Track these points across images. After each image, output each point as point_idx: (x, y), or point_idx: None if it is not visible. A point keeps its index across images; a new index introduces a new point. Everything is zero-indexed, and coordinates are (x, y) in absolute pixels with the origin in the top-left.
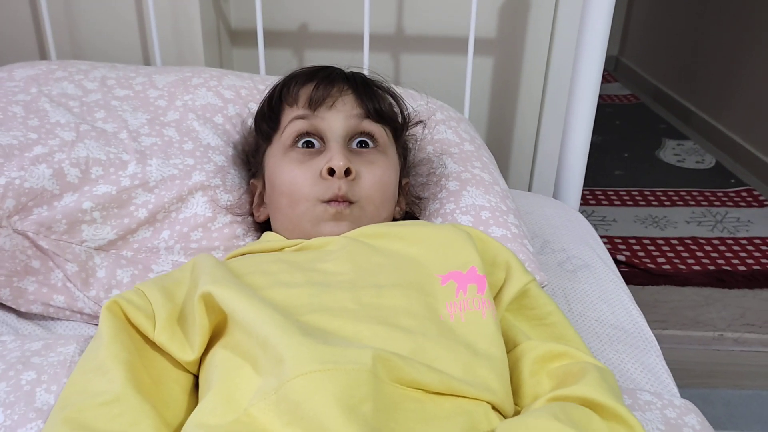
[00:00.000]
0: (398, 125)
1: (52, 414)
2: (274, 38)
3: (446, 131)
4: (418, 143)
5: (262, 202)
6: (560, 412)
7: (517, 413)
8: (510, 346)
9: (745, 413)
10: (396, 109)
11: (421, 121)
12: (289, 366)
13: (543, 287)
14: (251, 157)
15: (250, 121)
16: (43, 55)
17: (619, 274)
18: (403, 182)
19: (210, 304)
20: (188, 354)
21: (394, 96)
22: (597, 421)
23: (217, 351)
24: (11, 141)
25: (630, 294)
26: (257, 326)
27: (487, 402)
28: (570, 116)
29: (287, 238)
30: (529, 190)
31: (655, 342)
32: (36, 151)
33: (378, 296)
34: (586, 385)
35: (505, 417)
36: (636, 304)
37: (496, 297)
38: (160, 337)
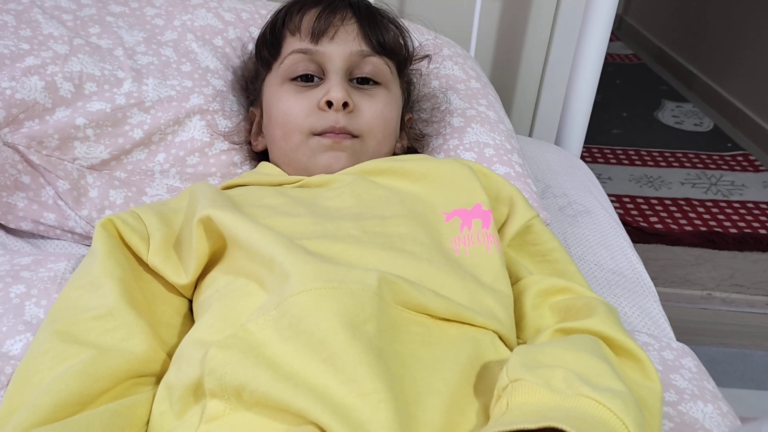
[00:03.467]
0: (402, 59)
1: (41, 327)
2: None
3: (453, 67)
4: (423, 78)
5: (260, 131)
6: (579, 342)
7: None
8: (512, 280)
9: (728, 370)
10: (401, 41)
11: (427, 56)
12: (293, 282)
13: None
14: (250, 83)
15: (251, 47)
16: None
17: (620, 222)
18: (406, 117)
19: (209, 228)
20: (182, 278)
21: (400, 28)
22: (609, 353)
23: (216, 276)
24: (2, 50)
25: (630, 241)
26: (262, 246)
27: (493, 331)
28: (577, 63)
29: (286, 173)
30: (530, 135)
31: (653, 288)
32: (28, 62)
33: (382, 225)
34: (595, 319)
35: (510, 349)
36: (636, 251)
37: (499, 232)
38: (153, 258)
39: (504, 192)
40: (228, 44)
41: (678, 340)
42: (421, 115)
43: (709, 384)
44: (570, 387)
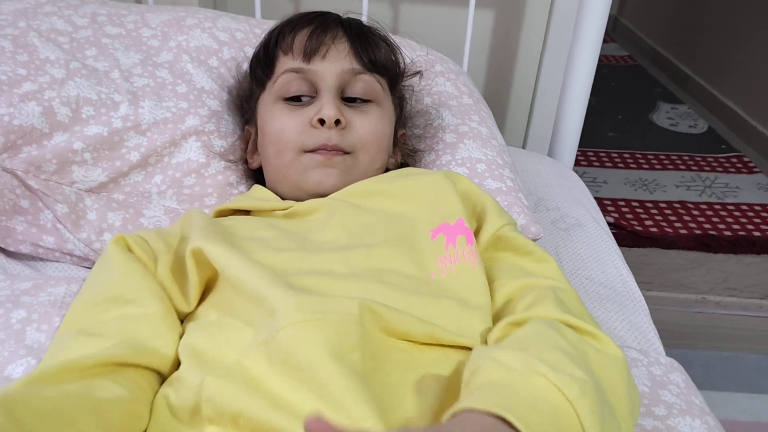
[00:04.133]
0: (394, 75)
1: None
2: None
3: (445, 83)
4: (416, 94)
5: (255, 149)
6: (538, 334)
7: None
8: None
9: (721, 374)
10: (392, 58)
11: (418, 72)
12: (279, 317)
13: (537, 240)
14: (245, 102)
15: (245, 66)
16: None
17: (611, 235)
18: (399, 133)
19: (200, 260)
20: (184, 306)
21: (391, 45)
22: (567, 330)
23: (208, 308)
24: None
25: (621, 254)
26: (249, 281)
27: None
28: (569, 75)
29: (277, 190)
30: (524, 147)
31: (644, 302)
32: (25, 88)
33: (368, 257)
34: (543, 306)
35: None
36: (627, 265)
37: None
38: (162, 280)
39: (479, 204)
40: (223, 64)
41: (673, 344)
42: (414, 131)
43: (697, 399)
44: (528, 367)
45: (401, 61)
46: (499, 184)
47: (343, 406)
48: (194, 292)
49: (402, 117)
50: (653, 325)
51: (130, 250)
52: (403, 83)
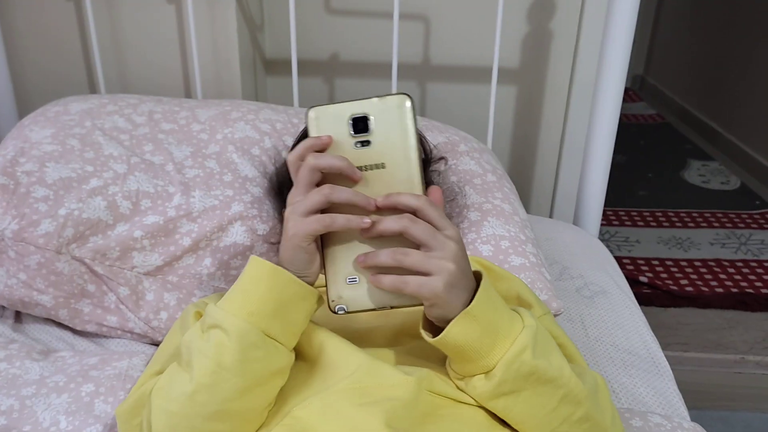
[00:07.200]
0: (422, 163)
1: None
2: (306, 67)
3: (469, 162)
4: (441, 175)
5: None
6: None
7: None
8: None
9: None
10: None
11: (442, 158)
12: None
13: (557, 315)
14: (285, 188)
15: (284, 154)
16: (93, 88)
17: (635, 301)
18: None
19: None
20: None
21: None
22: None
23: None
24: (70, 174)
25: (645, 320)
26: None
27: None
28: (590, 145)
29: None
30: (551, 216)
31: (668, 367)
32: (92, 184)
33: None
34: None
35: None
36: (651, 330)
37: None
38: None
39: (512, 290)
40: (264, 153)
41: (713, 405)
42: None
43: None
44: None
45: (428, 148)
46: (523, 260)
47: None
48: None
49: None
50: (678, 390)
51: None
52: (430, 169)
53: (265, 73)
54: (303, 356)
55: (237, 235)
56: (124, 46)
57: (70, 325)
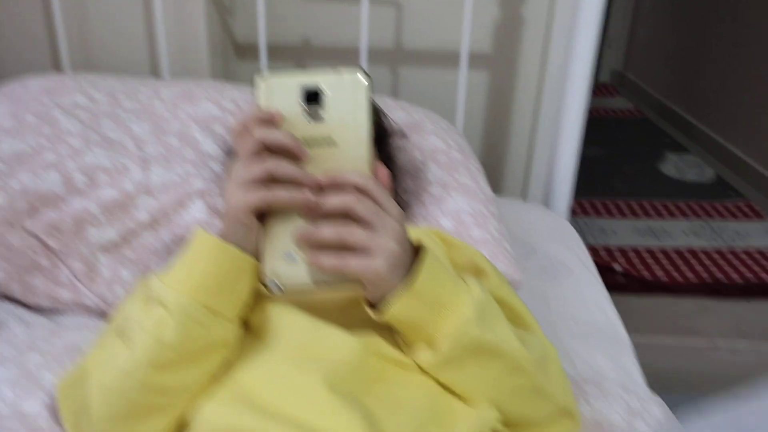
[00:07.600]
0: (377, 137)
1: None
2: (277, 52)
3: (435, 140)
4: (406, 152)
5: None
6: None
7: None
8: None
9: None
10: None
11: (402, 134)
12: None
13: (519, 290)
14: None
15: None
16: (57, 67)
17: (600, 279)
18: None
19: None
20: None
21: (375, 109)
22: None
23: None
24: (25, 148)
25: (609, 297)
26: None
27: None
28: (561, 127)
29: None
30: (524, 200)
31: (629, 342)
32: (48, 158)
33: None
34: None
35: None
36: (614, 307)
37: None
38: None
39: (470, 261)
40: (227, 131)
41: (682, 392)
42: (403, 185)
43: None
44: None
45: (385, 123)
46: (485, 234)
47: None
48: None
49: (393, 173)
50: (638, 364)
51: None
52: (390, 143)
53: (236, 57)
54: (250, 326)
55: (197, 211)
56: (88, 29)
57: (22, 300)
